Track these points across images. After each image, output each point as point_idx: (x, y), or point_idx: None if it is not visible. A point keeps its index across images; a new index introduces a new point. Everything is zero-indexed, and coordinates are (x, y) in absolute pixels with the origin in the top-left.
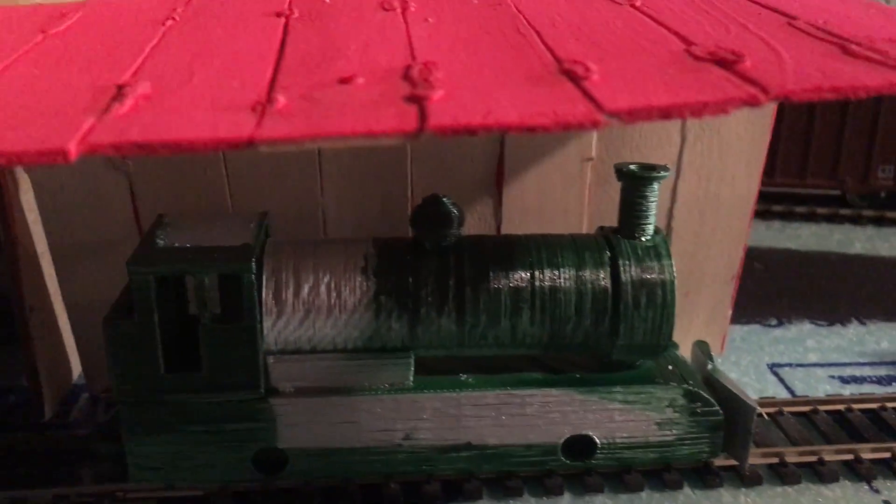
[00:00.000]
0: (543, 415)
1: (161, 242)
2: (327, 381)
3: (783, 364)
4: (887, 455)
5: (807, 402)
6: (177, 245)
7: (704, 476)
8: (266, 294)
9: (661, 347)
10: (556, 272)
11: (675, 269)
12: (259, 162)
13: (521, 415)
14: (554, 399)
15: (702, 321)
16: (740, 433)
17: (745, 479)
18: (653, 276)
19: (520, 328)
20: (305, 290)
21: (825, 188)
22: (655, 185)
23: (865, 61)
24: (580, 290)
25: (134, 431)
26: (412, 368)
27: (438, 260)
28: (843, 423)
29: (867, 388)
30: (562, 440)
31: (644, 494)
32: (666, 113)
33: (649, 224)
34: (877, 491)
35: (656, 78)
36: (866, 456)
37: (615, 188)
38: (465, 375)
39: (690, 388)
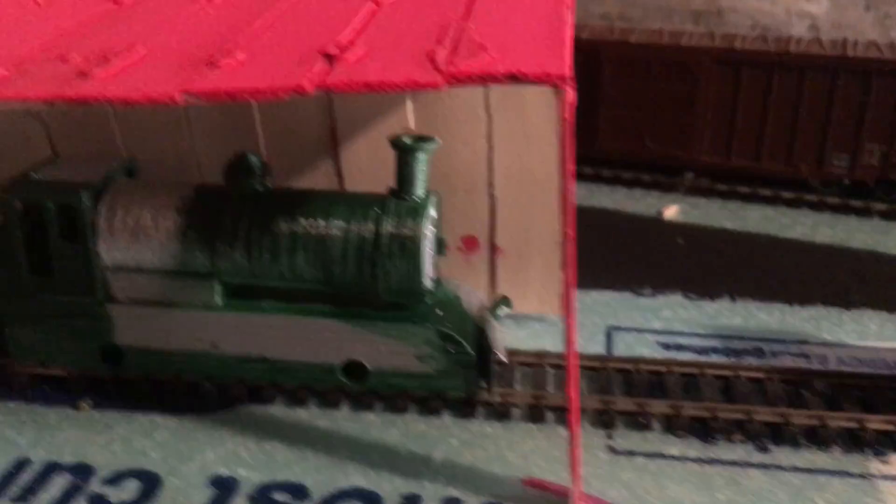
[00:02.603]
0: (323, 340)
1: (34, 175)
2: (151, 295)
3: (621, 328)
4: (635, 409)
5: (599, 359)
6: (40, 178)
7: (463, 407)
8: (102, 220)
9: (418, 292)
10: (328, 222)
11: (427, 227)
12: (143, 118)
13: (306, 338)
14: (331, 327)
15: (539, 283)
16: (490, 373)
17: (498, 413)
18: (406, 231)
19: (297, 266)
20: (131, 220)
21: (781, 173)
22: (421, 155)
23: (430, 64)
24: (346, 239)
25: (10, 320)
26: (217, 291)
27: (239, 205)
28: (625, 379)
29: (684, 356)
30: (340, 363)
31: (407, 416)
32: (232, 95)
33: (417, 188)
34: (610, 437)
35: (276, 67)
36: (617, 407)
37: (446, 152)
38: (266, 301)
39: (443, 329)
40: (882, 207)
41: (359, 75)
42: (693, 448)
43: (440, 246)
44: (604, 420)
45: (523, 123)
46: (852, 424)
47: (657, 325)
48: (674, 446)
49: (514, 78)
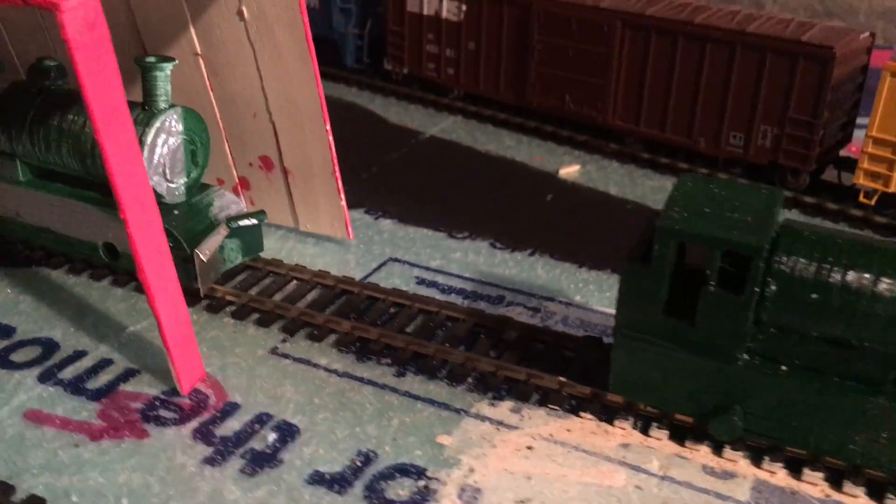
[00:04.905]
0: (89, 222)
1: None
2: None
3: (399, 260)
4: (320, 322)
5: (335, 279)
6: None
7: (191, 298)
8: None
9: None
10: (85, 121)
11: (157, 135)
12: (16, 22)
13: (78, 219)
14: (93, 212)
15: (327, 207)
16: (198, 269)
17: (211, 307)
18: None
19: (62, 156)
20: None
21: (683, 144)
22: (157, 73)
23: None
24: (94, 137)
25: None
26: (19, 168)
27: (32, 100)
28: (346, 300)
29: (430, 292)
30: (101, 242)
31: (143, 297)
32: None
33: (157, 101)
34: (284, 342)
35: None
36: (309, 320)
37: (232, 77)
38: (56, 183)
39: (166, 226)
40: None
41: None
42: (341, 363)
43: (194, 157)
44: (289, 327)
45: (280, 58)
46: (489, 368)
47: (434, 263)
48: (326, 358)
49: (24, 1)
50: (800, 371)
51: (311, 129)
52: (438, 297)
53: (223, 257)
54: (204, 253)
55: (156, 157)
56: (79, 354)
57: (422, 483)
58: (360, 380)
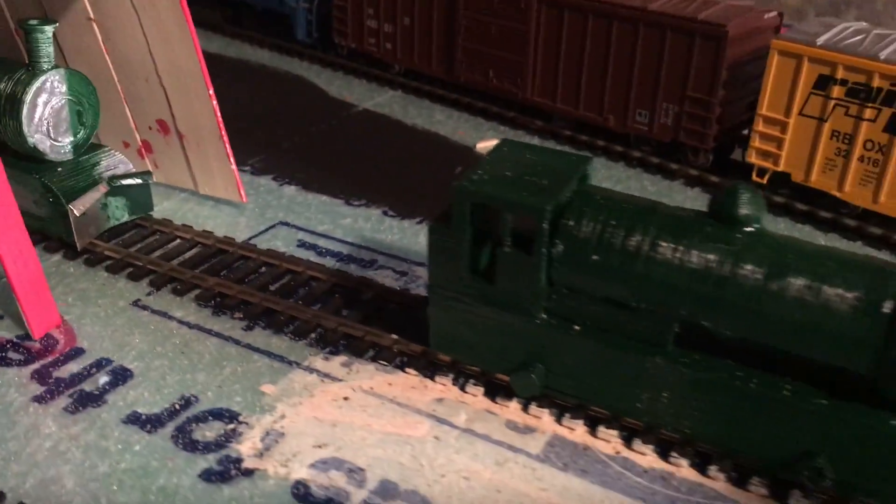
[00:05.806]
0: None
1: None
2: None
3: (288, 224)
4: (187, 279)
5: (215, 239)
6: None
7: (72, 251)
8: None
9: (27, 147)
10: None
11: (38, 94)
12: None
13: None
14: None
15: (219, 171)
16: (73, 224)
17: (90, 260)
18: (15, 95)
19: None
20: None
21: (595, 122)
22: (38, 35)
23: None
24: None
25: None
26: None
27: None
28: (220, 259)
29: (307, 255)
30: None
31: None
32: None
33: (39, 62)
34: (148, 295)
35: None
36: (178, 276)
37: (123, 41)
38: None
39: (47, 182)
40: (674, 167)
41: None
42: (196, 316)
43: (81, 117)
44: (156, 282)
45: (162, 23)
46: (331, 325)
47: (322, 228)
48: (183, 311)
49: None
50: (589, 330)
51: (197, 93)
52: (313, 259)
53: (107, 214)
54: (77, 208)
55: (37, 116)
56: None
57: (231, 426)
58: (209, 332)
